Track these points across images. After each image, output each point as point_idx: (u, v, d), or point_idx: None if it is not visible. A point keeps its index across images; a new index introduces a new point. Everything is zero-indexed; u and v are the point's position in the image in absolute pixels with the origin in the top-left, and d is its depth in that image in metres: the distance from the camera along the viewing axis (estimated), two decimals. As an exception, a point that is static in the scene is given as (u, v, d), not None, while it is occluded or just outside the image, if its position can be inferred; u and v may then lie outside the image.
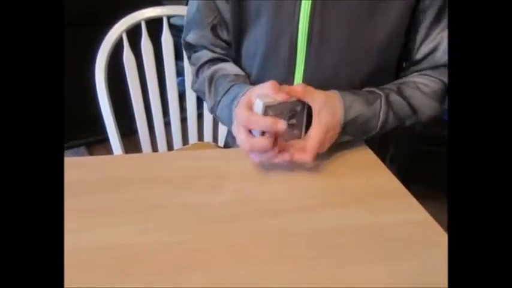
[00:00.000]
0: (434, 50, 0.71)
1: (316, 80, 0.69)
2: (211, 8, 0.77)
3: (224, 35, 0.80)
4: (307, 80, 0.72)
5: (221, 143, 1.07)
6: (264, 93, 0.60)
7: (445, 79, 0.72)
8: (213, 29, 0.79)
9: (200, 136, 1.11)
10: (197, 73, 0.82)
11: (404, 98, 0.69)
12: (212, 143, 1.08)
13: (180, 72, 1.05)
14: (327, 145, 0.63)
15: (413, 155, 1.65)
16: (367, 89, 0.69)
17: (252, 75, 0.78)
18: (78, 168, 0.64)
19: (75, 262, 0.46)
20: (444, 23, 0.69)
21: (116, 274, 0.45)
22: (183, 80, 1.05)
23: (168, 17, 1.01)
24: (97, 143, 2.03)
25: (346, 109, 0.63)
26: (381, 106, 0.67)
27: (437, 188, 1.24)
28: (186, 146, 1.07)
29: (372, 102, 0.66)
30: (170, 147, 1.10)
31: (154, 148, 1.08)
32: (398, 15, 0.68)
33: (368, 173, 0.66)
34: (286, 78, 0.73)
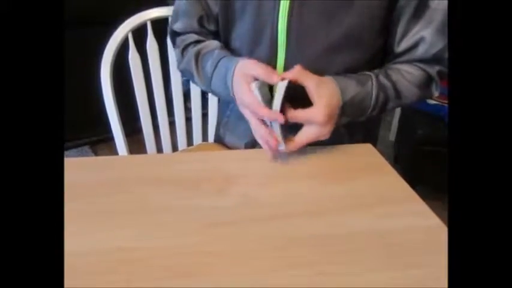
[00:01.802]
0: (415, 45, 0.74)
1: None
2: (200, 1, 0.81)
3: (211, 26, 0.83)
4: None
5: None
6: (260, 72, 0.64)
7: (428, 69, 0.75)
8: (200, 20, 0.83)
9: (204, 135, 1.11)
10: (182, 53, 0.85)
11: (390, 81, 0.73)
12: (217, 144, 1.08)
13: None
14: (332, 124, 0.65)
15: (416, 156, 1.64)
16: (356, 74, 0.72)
17: None
18: (81, 169, 0.64)
19: (76, 266, 0.45)
20: (424, 20, 0.72)
21: (119, 279, 0.44)
22: (188, 80, 1.05)
23: (173, 17, 1.01)
24: (101, 142, 2.03)
25: (342, 91, 0.67)
26: (372, 85, 0.71)
27: (440, 188, 1.23)
28: (190, 147, 1.07)
29: (364, 83, 0.70)
30: (174, 146, 1.10)
31: (159, 147, 1.08)
32: (373, 6, 0.70)
33: (376, 176, 0.65)
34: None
